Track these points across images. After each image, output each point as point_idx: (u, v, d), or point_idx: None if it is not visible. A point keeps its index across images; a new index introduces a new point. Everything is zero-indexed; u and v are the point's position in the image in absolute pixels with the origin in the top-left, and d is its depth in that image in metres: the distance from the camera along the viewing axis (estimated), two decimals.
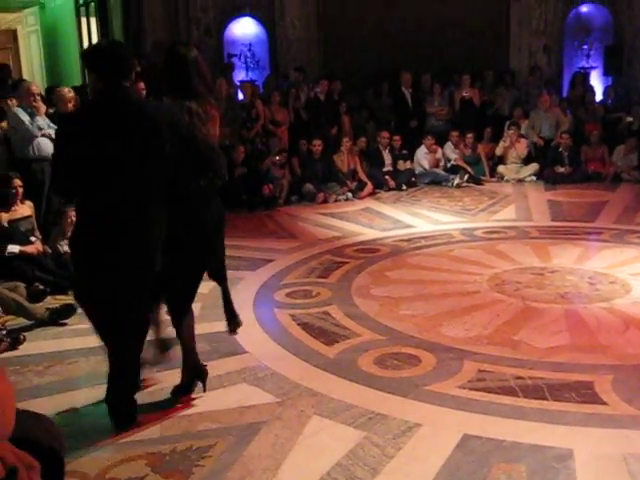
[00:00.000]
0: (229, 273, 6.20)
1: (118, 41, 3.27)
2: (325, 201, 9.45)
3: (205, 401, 3.84)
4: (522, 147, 10.80)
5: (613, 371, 4.03)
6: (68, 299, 5.64)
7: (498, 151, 10.90)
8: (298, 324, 4.97)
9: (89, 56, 3.41)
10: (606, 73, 12.26)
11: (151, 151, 3.20)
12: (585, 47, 12.40)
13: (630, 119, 11.09)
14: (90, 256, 3.31)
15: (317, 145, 9.90)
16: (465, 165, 10.61)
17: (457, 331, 4.72)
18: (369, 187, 9.79)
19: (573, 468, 3.12)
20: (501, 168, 10.76)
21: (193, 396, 3.89)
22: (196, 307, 5.31)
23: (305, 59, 12.40)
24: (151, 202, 3.28)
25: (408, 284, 5.82)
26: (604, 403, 3.69)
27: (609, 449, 3.26)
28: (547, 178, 10.28)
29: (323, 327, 4.89)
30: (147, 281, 3.38)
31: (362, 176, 9.98)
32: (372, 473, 3.11)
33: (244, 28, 12.63)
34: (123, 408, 3.57)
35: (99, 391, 3.85)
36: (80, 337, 4.86)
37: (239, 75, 12.25)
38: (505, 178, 10.60)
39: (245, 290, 5.74)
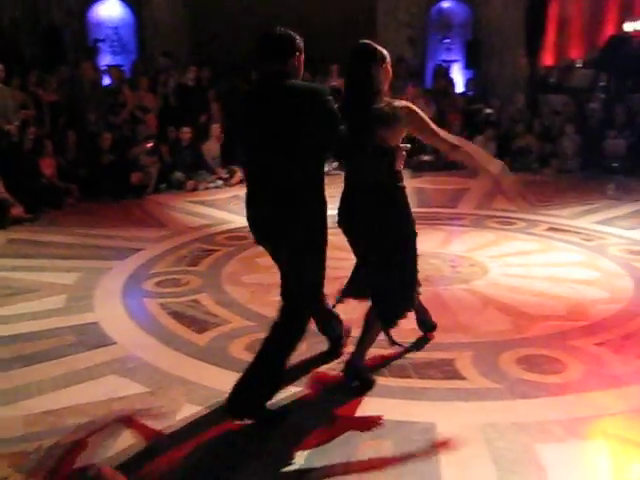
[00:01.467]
0: (97, 263, 6.08)
1: (284, 31, 3.31)
2: (195, 189, 9.36)
3: (73, 394, 3.74)
4: None
5: (472, 348, 4.28)
6: None
7: None
8: (168, 313, 4.92)
9: (259, 42, 3.44)
10: (466, 66, 12.84)
11: (300, 123, 3.27)
12: (447, 41, 12.92)
13: (489, 110, 11.69)
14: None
15: (186, 132, 9.78)
16: None
17: None
18: (239, 174, 9.75)
19: (435, 440, 3.29)
20: None
21: (59, 390, 3.79)
22: (61, 299, 5.20)
23: (173, 44, 12.19)
24: (301, 169, 3.34)
25: (278, 270, 5.86)
26: (464, 378, 3.91)
27: (468, 420, 3.46)
28: (413, 166, 10.65)
29: (194, 315, 4.87)
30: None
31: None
32: (247, 457, 3.15)
33: (110, 10, 12.26)
34: None
35: None
36: None
37: (105, 59, 11.88)
38: None
39: (113, 280, 5.62)
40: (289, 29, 3.43)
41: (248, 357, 4.14)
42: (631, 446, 3.30)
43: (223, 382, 3.81)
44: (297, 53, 3.42)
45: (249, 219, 3.51)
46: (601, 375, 3.94)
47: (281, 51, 3.36)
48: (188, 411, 3.55)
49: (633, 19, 15.91)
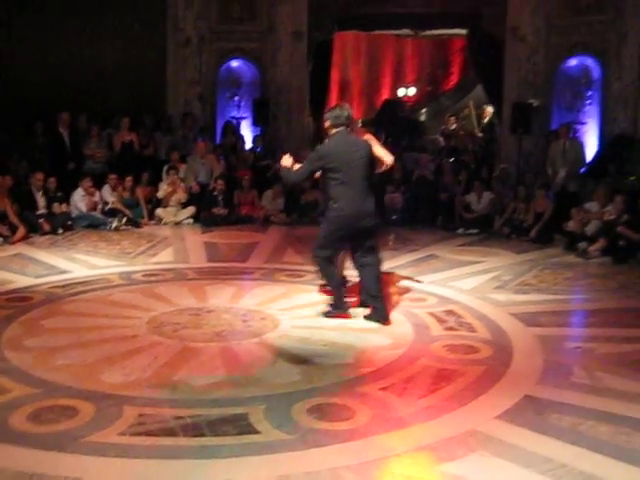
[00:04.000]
0: None
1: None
2: None
3: None
4: (182, 191, 11.11)
5: (265, 401, 4.32)
6: None
7: (160, 194, 11.06)
8: None
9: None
10: (255, 123, 13.25)
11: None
12: (236, 98, 13.30)
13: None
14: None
15: None
16: (123, 208, 10.58)
17: (116, 377, 4.66)
18: (21, 231, 9.21)
19: None
20: (159, 211, 10.94)
21: None
22: None
23: None
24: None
25: (64, 332, 5.60)
26: (258, 432, 3.93)
27: (263, 474, 3.49)
28: (204, 221, 10.72)
29: None
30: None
31: (13, 219, 9.37)
32: None
33: None
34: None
35: None
36: None
37: None
38: (163, 221, 10.79)
39: None
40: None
41: (31, 428, 3.90)
42: None
43: (4, 458, 3.54)
44: None
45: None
46: (386, 418, 4.16)
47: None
48: None
49: (405, 85, 17.45)
